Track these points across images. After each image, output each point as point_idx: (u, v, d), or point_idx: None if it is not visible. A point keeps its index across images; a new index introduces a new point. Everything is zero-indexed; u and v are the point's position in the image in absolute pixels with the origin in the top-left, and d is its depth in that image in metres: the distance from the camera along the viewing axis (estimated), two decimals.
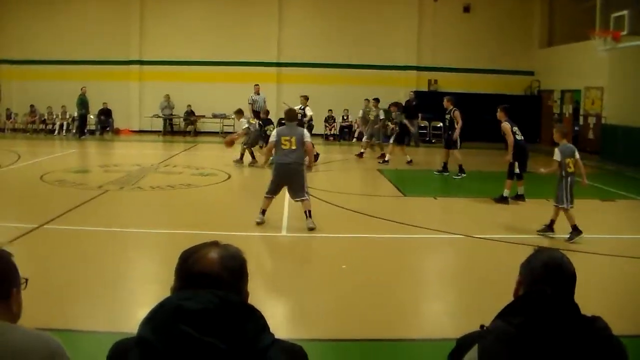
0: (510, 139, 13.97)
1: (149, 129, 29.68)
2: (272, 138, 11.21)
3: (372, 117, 22.71)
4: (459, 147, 18.22)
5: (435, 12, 30.89)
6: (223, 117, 29.50)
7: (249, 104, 25.88)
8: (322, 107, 28.49)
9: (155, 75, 29.88)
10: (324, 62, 30.09)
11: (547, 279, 2.56)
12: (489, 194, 14.57)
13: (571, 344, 2.32)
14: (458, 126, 17.83)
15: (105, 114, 29.48)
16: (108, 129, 29.59)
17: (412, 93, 28.49)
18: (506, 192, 13.96)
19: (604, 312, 6.85)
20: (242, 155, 19.71)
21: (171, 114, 30.00)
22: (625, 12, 18.83)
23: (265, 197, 11.17)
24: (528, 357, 2.30)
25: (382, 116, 22.85)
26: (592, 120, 26.24)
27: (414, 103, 26.96)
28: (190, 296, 2.05)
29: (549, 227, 10.70)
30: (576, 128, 27.82)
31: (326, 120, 29.03)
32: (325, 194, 14.35)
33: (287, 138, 10.89)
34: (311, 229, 10.69)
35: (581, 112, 27.24)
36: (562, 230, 10.64)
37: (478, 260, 9.56)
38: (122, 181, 15.75)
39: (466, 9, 31.12)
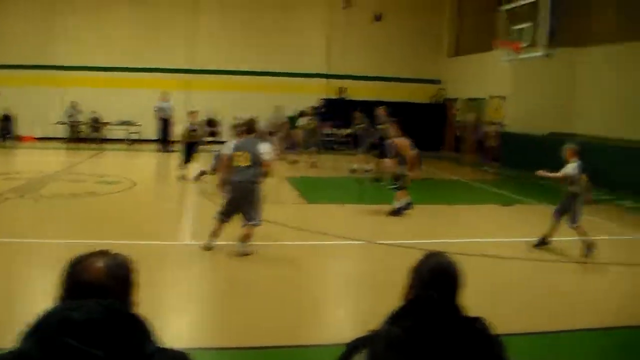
0: (410, 154, 13.58)
1: (54, 136, 28.85)
2: (227, 151, 10.04)
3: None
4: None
5: (346, 21, 31.19)
6: (129, 124, 28.99)
7: (155, 111, 25.63)
8: (231, 114, 28.35)
9: (61, 81, 29.02)
10: (233, 70, 29.96)
11: (434, 283, 2.64)
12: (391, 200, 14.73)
13: (454, 346, 2.37)
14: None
15: (6, 119, 28.54)
16: (9, 135, 28.64)
17: (321, 100, 28.73)
18: (398, 204, 13.76)
19: (502, 311, 7.11)
20: None
21: (77, 121, 29.23)
22: (525, 25, 19.51)
23: (215, 218, 10.08)
24: (414, 359, 2.34)
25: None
26: (494, 128, 27.00)
27: (323, 110, 27.23)
28: (75, 306, 2.01)
29: (544, 240, 10.84)
30: (479, 135, 28.59)
31: (235, 127, 28.87)
32: None
33: (241, 153, 9.80)
34: (242, 254, 9.81)
35: (484, 120, 28.00)
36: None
37: (379, 265, 9.71)
38: (23, 189, 15.25)
39: (377, 18, 31.51)
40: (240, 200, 9.92)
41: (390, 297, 2.59)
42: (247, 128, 10.30)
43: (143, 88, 28.25)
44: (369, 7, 31.37)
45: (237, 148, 9.95)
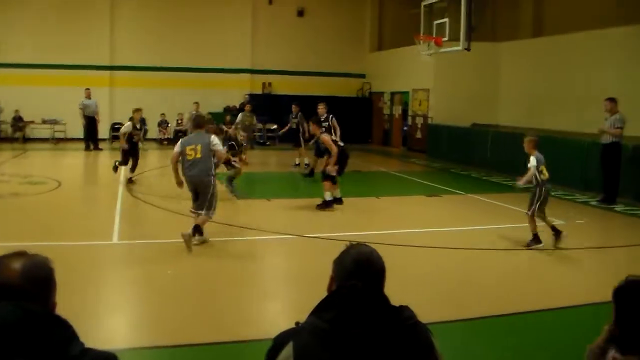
0: (334, 149, 13.62)
1: None
2: (176, 148, 10.14)
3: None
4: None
5: (269, 16, 31.22)
6: (54, 122, 28.35)
7: (80, 108, 25.21)
8: (155, 111, 28.08)
9: None
10: (158, 66, 29.58)
11: (357, 273, 2.62)
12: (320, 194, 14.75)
13: (380, 335, 2.40)
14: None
15: None
16: None
17: (246, 96, 28.72)
18: (328, 196, 13.69)
19: (429, 300, 7.29)
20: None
21: None
22: (446, 19, 19.90)
23: (190, 211, 10.36)
24: (341, 349, 2.36)
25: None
26: (419, 121, 27.49)
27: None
28: None
29: (535, 240, 10.64)
30: (405, 128, 29.06)
31: (159, 125, 28.62)
32: (157, 199, 14.23)
33: (192, 147, 9.90)
34: (188, 245, 9.78)
35: (409, 112, 28.45)
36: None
37: (310, 259, 9.75)
38: None
39: (300, 13, 31.67)
40: (198, 191, 10.13)
41: (323, 290, 2.68)
42: (196, 123, 10.44)
43: (67, 86, 27.53)
44: (293, 3, 31.54)
45: (187, 143, 10.10)
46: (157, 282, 8.59)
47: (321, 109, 17.91)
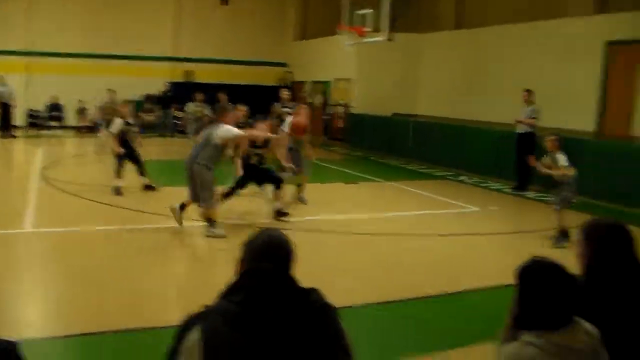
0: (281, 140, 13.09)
1: None
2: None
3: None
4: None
5: (193, 4, 30.88)
6: None
7: None
8: (73, 98, 27.50)
9: None
10: (78, 52, 28.84)
11: (265, 256, 2.66)
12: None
13: (288, 316, 2.45)
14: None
15: None
16: None
17: (167, 84, 28.38)
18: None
19: (351, 283, 7.37)
20: None
21: None
22: (368, 10, 20.07)
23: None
24: (249, 332, 2.39)
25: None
26: (340, 110, 27.68)
27: (169, 94, 26.99)
28: None
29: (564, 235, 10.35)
30: (325, 117, 29.21)
31: (80, 112, 27.97)
32: (75, 188, 13.92)
33: (201, 134, 10.26)
34: (209, 236, 10.01)
35: (331, 102, 28.62)
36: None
37: (230, 244, 9.56)
38: None
39: (224, 1, 31.38)
40: (189, 179, 10.16)
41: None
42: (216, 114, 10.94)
43: None
44: None
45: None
46: (72, 270, 8.43)
47: (285, 94, 17.65)
